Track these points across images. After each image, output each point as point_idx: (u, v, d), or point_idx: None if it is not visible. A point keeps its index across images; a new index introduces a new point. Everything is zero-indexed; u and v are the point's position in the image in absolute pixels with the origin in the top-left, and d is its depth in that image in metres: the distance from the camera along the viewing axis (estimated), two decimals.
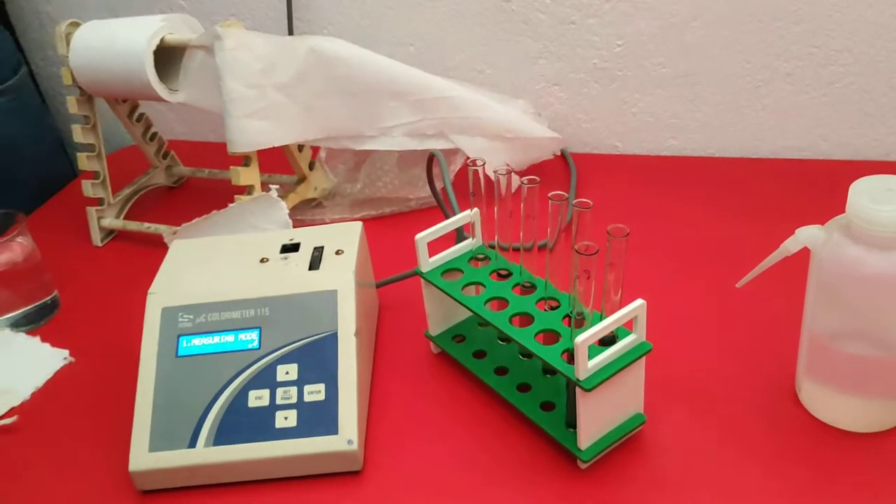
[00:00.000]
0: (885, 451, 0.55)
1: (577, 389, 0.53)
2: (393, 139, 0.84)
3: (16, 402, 0.67)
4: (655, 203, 0.85)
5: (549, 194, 0.55)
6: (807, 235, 0.52)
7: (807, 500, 0.53)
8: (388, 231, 0.83)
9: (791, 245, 0.53)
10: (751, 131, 0.92)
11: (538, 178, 0.57)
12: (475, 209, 0.64)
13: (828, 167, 0.90)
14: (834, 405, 0.57)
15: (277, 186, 0.78)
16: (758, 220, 0.80)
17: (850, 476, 0.54)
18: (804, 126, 0.90)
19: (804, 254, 0.55)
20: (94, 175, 0.85)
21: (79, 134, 0.84)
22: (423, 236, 0.63)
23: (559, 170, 0.93)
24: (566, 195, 0.55)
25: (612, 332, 0.54)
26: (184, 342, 0.61)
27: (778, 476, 0.55)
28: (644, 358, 0.55)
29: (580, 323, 0.55)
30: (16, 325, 0.75)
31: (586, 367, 0.52)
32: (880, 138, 0.89)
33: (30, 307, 0.75)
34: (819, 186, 0.85)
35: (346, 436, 0.57)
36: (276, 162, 0.87)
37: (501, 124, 0.85)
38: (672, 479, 0.55)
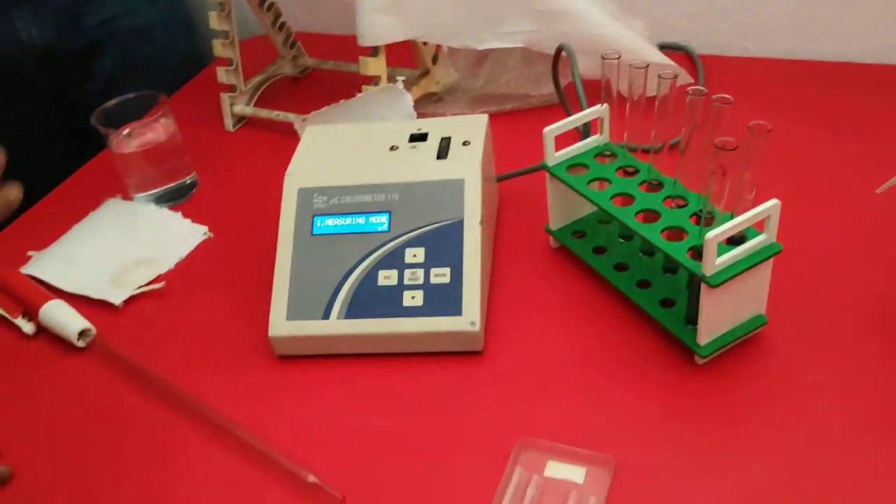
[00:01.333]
0: None
1: (703, 286, 0.53)
2: (512, 42, 0.83)
3: (162, 271, 0.73)
4: (788, 108, 0.82)
5: (689, 88, 0.54)
6: None
7: None
8: (507, 128, 0.84)
9: None
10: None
11: (677, 71, 0.56)
12: (605, 105, 0.63)
13: None
14: None
15: (403, 78, 0.79)
16: None
17: None
18: None
19: None
20: (227, 62, 0.89)
21: (214, 21, 0.87)
22: (552, 129, 0.63)
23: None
24: (704, 89, 0.54)
25: (741, 231, 0.54)
26: (318, 222, 0.64)
27: None
28: (772, 259, 0.55)
29: (709, 222, 0.55)
30: (159, 201, 0.80)
31: (714, 263, 0.52)
32: None
33: (171, 185, 0.81)
34: None
35: (470, 317, 0.59)
36: (401, 55, 0.87)
37: (621, 44, 0.82)
38: (788, 381, 0.56)
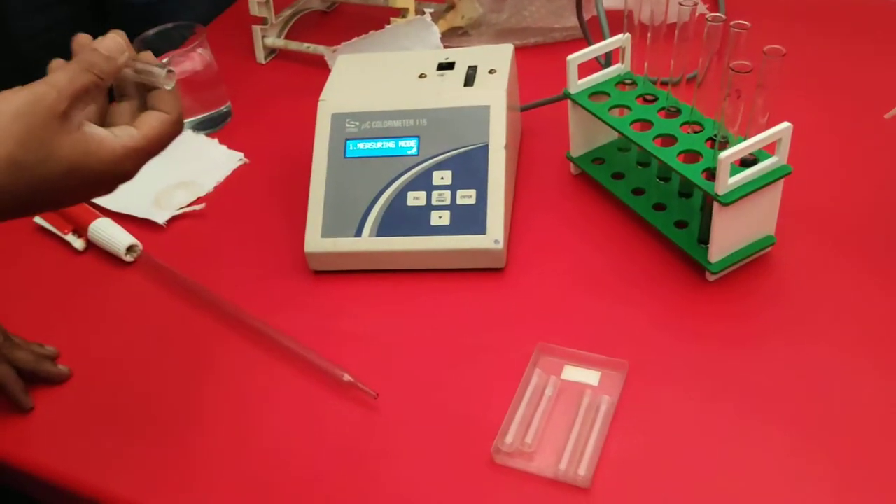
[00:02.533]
0: None
1: (715, 204, 0.56)
2: None
3: (202, 193, 0.77)
4: (807, 41, 0.84)
5: (707, 16, 0.56)
6: None
7: None
8: (531, 61, 0.86)
9: None
10: None
11: (696, 1, 0.58)
12: (627, 34, 0.66)
13: None
14: None
15: (431, 10, 0.81)
16: None
17: None
18: None
19: None
20: None
21: None
22: (575, 57, 0.66)
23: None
24: (724, 17, 0.56)
25: (753, 155, 0.57)
26: (350, 146, 0.67)
27: None
28: (782, 181, 0.58)
29: (724, 145, 0.58)
30: (196, 128, 0.84)
31: (726, 182, 0.55)
32: None
33: (208, 113, 0.84)
34: None
35: (494, 236, 0.63)
36: None
37: None
38: (794, 297, 0.59)
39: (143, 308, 0.67)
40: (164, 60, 0.80)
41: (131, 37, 0.79)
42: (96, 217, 0.71)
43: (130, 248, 0.70)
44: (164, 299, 0.67)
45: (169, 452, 0.56)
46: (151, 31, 0.81)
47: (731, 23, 0.54)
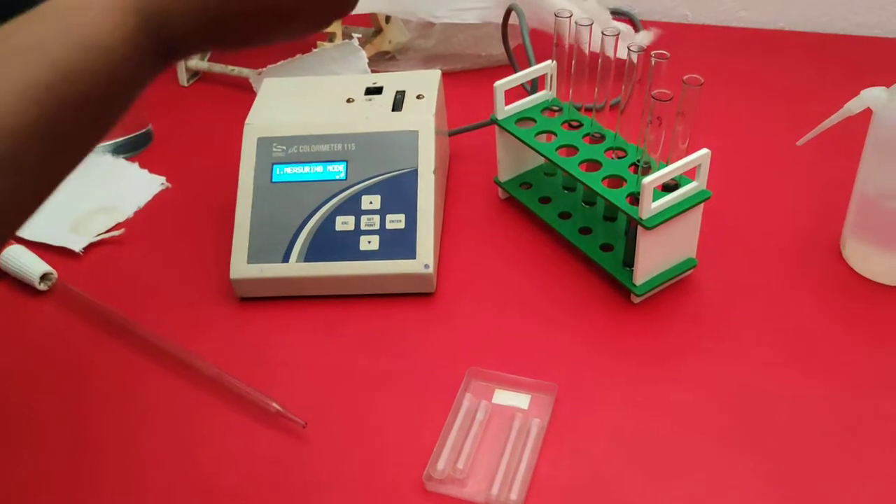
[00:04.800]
0: None
1: (639, 228, 0.58)
2: (464, 20, 0.85)
3: (121, 218, 0.74)
4: (722, 71, 0.87)
5: (628, 44, 0.58)
6: (870, 96, 0.55)
7: (841, 345, 0.58)
8: (459, 86, 0.87)
9: (854, 105, 0.56)
10: (822, 6, 0.92)
11: (620, 29, 0.60)
12: (553, 61, 0.67)
13: None
14: (875, 261, 0.61)
15: (359, 35, 0.81)
16: (824, 93, 0.82)
17: (885, 324, 0.59)
18: (876, 3, 0.90)
19: (864, 122, 0.58)
20: None
21: None
22: (502, 84, 0.67)
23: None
24: (644, 46, 0.58)
25: (674, 180, 0.59)
26: (277, 170, 0.66)
27: (816, 321, 0.60)
28: (702, 205, 0.60)
29: (646, 170, 0.59)
30: (115, 151, 0.81)
31: (650, 207, 0.57)
32: None
33: (128, 136, 0.82)
34: (887, 63, 0.86)
35: (423, 260, 0.63)
36: (355, 14, 0.89)
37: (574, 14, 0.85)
38: (716, 318, 0.61)
39: (58, 339, 0.64)
40: None
41: None
42: (8, 244, 0.68)
43: (45, 277, 0.67)
44: (81, 329, 0.64)
45: (87, 489, 0.53)
46: None
47: (652, 52, 0.56)
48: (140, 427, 0.57)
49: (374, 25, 0.92)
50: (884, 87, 0.56)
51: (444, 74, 0.74)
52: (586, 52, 0.62)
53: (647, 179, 0.55)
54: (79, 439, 0.56)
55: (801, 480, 0.50)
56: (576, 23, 0.62)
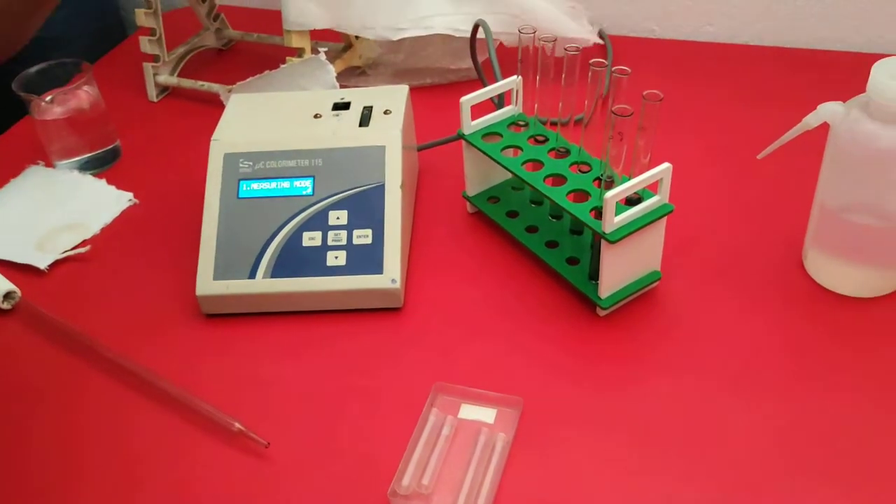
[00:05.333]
0: (879, 314, 0.61)
1: (602, 242, 0.58)
2: (427, 29, 0.86)
3: (87, 236, 0.73)
4: (688, 85, 0.88)
5: (590, 61, 0.59)
6: (827, 110, 0.56)
7: (804, 354, 0.59)
8: (428, 101, 0.87)
9: (812, 119, 0.57)
10: (786, 21, 0.94)
11: (580, 48, 0.60)
12: (518, 77, 0.68)
13: (859, 59, 0.92)
14: (836, 272, 0.62)
15: (326, 49, 0.82)
16: (786, 106, 0.82)
17: (845, 335, 0.60)
18: (839, 18, 0.92)
19: (822, 135, 0.59)
20: (150, 32, 0.89)
21: None
22: (468, 99, 0.67)
23: (595, 51, 0.95)
24: (606, 62, 0.58)
25: (637, 193, 0.59)
26: (244, 186, 0.66)
27: (779, 332, 0.60)
28: (665, 218, 0.60)
29: (609, 184, 0.60)
30: (82, 168, 0.81)
31: (613, 221, 0.57)
32: None
33: (95, 152, 0.81)
34: (849, 77, 0.87)
35: (390, 275, 0.63)
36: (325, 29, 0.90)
37: (539, 22, 0.86)
38: (681, 330, 0.61)
39: (19, 358, 0.63)
40: (48, 98, 0.77)
41: (9, 77, 0.77)
42: None
43: (8, 295, 0.66)
44: (44, 348, 0.63)
45: None
46: (34, 69, 0.78)
47: (613, 68, 0.57)
48: (100, 449, 0.56)
49: (343, 41, 0.92)
50: (840, 102, 0.57)
51: (415, 89, 0.75)
52: (550, 67, 0.63)
53: (608, 194, 0.55)
54: (38, 458, 0.56)
55: (763, 491, 0.51)
56: (540, 39, 0.62)
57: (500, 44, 0.85)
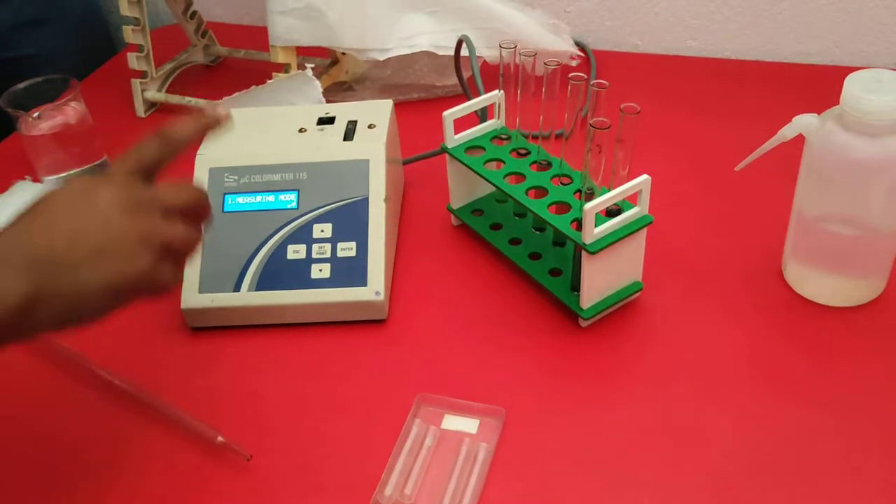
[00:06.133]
0: (857, 323, 0.62)
1: (583, 253, 0.59)
2: (413, 47, 0.87)
3: None
4: (670, 99, 0.89)
5: (570, 75, 0.59)
6: (802, 123, 0.57)
7: (784, 364, 0.60)
8: (414, 116, 0.88)
9: (788, 131, 0.58)
10: (767, 35, 0.95)
11: (560, 62, 0.61)
12: (500, 91, 0.68)
13: (838, 73, 0.93)
14: (815, 282, 0.63)
15: (313, 66, 0.82)
16: (766, 119, 0.84)
17: (824, 344, 0.60)
18: (819, 33, 0.93)
19: (799, 147, 0.60)
20: (138, 48, 0.90)
21: (125, 6, 0.88)
22: (451, 113, 0.68)
23: (580, 66, 0.96)
24: (585, 76, 0.59)
25: (617, 205, 0.60)
26: (229, 199, 0.67)
27: (759, 342, 0.61)
28: (645, 230, 0.61)
29: (590, 196, 0.61)
30: None
31: (592, 232, 0.58)
32: (891, 47, 0.92)
33: (82, 168, 0.81)
34: (827, 90, 0.89)
35: (374, 288, 0.64)
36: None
37: (520, 36, 0.87)
38: (663, 340, 0.62)
39: (4, 371, 0.63)
40: (35, 114, 0.78)
41: (2, 90, 0.78)
42: None
43: None
44: (23, 361, 0.64)
45: None
46: (22, 85, 0.79)
47: (592, 82, 0.57)
48: (82, 459, 0.56)
49: (330, 56, 0.93)
50: (815, 114, 0.58)
51: (401, 104, 0.76)
52: (531, 81, 0.64)
53: (588, 205, 0.56)
54: (17, 478, 0.56)
55: (745, 497, 0.51)
56: (520, 54, 0.63)
57: (484, 61, 0.86)
